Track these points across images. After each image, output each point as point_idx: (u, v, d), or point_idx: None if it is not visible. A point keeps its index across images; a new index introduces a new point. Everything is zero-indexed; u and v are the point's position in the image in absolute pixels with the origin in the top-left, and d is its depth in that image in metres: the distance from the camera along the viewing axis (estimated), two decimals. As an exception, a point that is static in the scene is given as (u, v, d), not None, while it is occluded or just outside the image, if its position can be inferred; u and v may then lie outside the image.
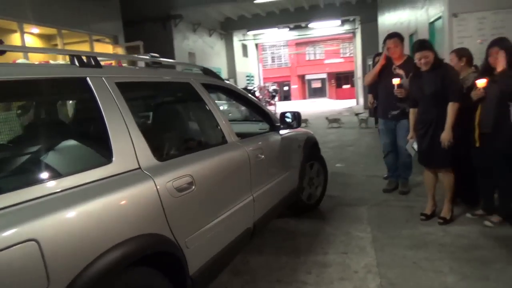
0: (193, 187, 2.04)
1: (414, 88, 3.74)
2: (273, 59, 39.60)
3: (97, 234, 1.49)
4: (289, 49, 38.15)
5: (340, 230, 3.67)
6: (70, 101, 2.04)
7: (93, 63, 1.93)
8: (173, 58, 12.45)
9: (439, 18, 5.47)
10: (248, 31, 18.83)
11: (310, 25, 18.40)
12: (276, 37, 22.91)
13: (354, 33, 19.88)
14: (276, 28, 18.33)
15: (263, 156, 2.93)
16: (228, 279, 2.88)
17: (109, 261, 1.47)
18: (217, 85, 3.01)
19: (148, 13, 11.98)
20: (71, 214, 1.42)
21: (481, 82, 3.35)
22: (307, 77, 40.69)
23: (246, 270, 3.00)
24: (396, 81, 4.21)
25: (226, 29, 17.56)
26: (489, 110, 3.40)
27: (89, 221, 1.47)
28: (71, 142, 1.86)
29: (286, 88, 39.75)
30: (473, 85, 3.44)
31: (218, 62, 16.83)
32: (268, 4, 14.67)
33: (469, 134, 3.52)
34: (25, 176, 1.56)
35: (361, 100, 17.62)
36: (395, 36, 4.44)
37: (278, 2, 14.63)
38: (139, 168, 1.81)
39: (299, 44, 36.43)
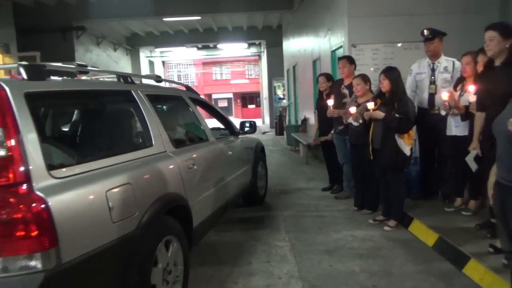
0: (195, 167, 2.97)
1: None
2: (179, 77, 39.27)
3: (155, 185, 2.42)
4: (196, 68, 38.32)
5: (261, 241, 3.83)
6: (125, 105, 2.77)
7: (130, 80, 2.83)
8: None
9: (340, 47, 6.14)
10: (155, 48, 18.53)
11: (218, 46, 18.82)
12: (184, 55, 22.89)
13: (260, 56, 20.86)
14: (184, 47, 18.37)
15: (231, 153, 3.95)
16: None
17: (160, 204, 2.34)
18: (197, 99, 3.98)
19: (47, 23, 11.08)
20: (143, 172, 2.35)
21: (371, 105, 3.88)
22: (214, 96, 41.13)
23: (173, 286, 2.97)
24: (330, 102, 4.67)
25: (133, 44, 17.03)
26: (378, 129, 3.94)
27: (150, 178, 2.41)
28: (133, 130, 2.77)
29: (192, 106, 39.63)
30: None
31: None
32: (177, 22, 14.70)
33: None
34: (114, 149, 2.39)
35: (267, 120, 18.44)
36: (344, 58, 4.95)
37: (187, 22, 14.72)
38: (165, 151, 2.70)
39: (206, 63, 36.81)
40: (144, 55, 18.86)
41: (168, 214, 2.45)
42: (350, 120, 4.34)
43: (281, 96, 17.08)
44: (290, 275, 3.08)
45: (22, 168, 1.64)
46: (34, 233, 1.58)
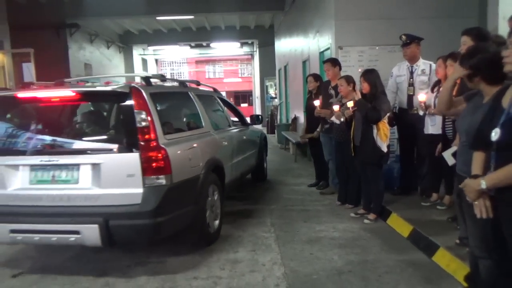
0: (226, 143, 4.43)
1: None
2: (172, 75, 39.31)
3: (207, 150, 3.86)
4: (189, 67, 38.33)
5: (248, 232, 4.05)
6: (188, 101, 4.16)
7: (186, 85, 4.35)
8: (67, 68, 11.78)
9: (328, 48, 6.37)
10: (148, 46, 18.63)
11: (211, 45, 18.97)
12: (177, 53, 22.98)
13: (252, 55, 21.04)
14: (178, 45, 18.48)
15: (245, 137, 5.41)
16: (147, 279, 3.05)
17: (210, 162, 3.75)
18: (221, 97, 5.39)
19: (41, 19, 11.13)
20: (202, 141, 3.83)
21: (350, 103, 4.12)
22: (207, 94, 41.13)
23: (164, 270, 3.20)
24: (316, 103, 4.89)
25: (126, 42, 17.13)
26: (358, 127, 4.18)
27: (205, 145, 3.89)
28: (193, 117, 4.13)
29: (185, 104, 39.60)
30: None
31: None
32: (170, 21, 14.84)
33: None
34: (186, 127, 3.96)
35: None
36: (327, 61, 5.17)
37: (180, 20, 14.88)
38: (209, 131, 4.12)
39: (199, 62, 36.86)
40: (137, 53, 18.95)
41: (212, 170, 3.78)
42: (333, 118, 4.57)
43: (273, 95, 17.29)
44: (273, 262, 3.30)
45: (154, 132, 3.03)
46: (161, 165, 3.00)
